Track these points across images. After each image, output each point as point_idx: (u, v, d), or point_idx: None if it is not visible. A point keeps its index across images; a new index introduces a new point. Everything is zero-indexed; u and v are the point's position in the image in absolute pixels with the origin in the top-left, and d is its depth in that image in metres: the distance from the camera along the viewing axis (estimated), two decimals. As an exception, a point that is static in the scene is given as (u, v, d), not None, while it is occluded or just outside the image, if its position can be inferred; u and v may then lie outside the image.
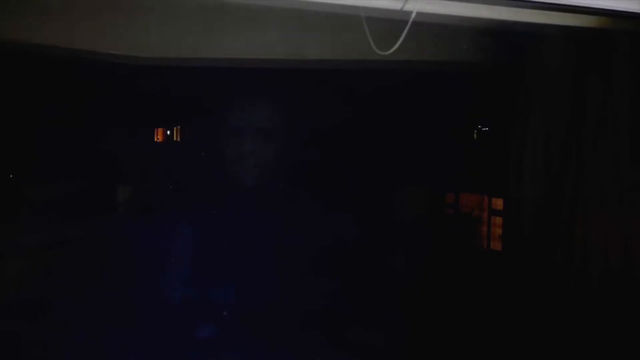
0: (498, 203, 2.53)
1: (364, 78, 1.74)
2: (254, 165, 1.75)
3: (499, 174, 1.98)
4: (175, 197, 1.83)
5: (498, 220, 2.52)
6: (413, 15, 1.10)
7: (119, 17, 1.52)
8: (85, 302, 1.86)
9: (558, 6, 1.18)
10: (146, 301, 1.65)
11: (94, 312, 1.76)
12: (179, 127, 2.40)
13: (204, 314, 1.62)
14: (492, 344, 1.84)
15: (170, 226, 1.72)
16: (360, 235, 2.13)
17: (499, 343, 1.80)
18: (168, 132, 2.44)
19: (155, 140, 2.46)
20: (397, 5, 1.15)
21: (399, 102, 2.07)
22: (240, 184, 1.77)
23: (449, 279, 2.26)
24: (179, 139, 2.43)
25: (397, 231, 2.44)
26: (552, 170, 1.62)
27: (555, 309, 1.62)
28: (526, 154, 1.64)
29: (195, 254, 1.68)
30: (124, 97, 2.06)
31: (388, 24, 1.15)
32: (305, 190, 1.91)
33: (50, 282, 2.23)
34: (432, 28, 1.21)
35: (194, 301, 1.64)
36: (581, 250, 1.57)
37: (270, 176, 1.79)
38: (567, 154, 1.57)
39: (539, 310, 1.66)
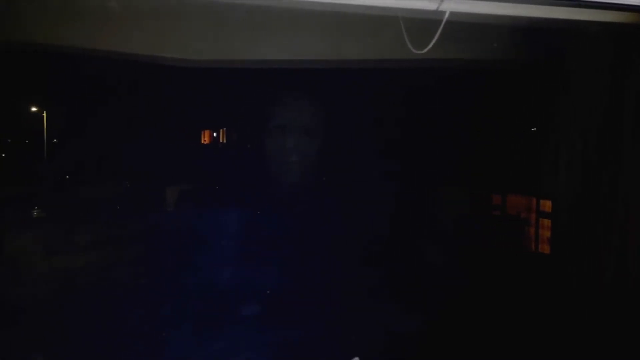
0: (541, 204, 2.53)
1: (401, 76, 1.81)
2: (297, 161, 1.84)
3: (535, 173, 2.01)
4: (226, 192, 1.94)
5: (545, 222, 2.53)
6: (447, 15, 1.18)
7: (171, 22, 1.64)
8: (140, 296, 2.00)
9: (591, 3, 1.24)
10: (201, 293, 1.76)
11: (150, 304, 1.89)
12: (227, 126, 2.50)
13: (255, 297, 1.72)
14: (536, 345, 1.86)
15: (221, 220, 1.83)
16: (401, 235, 2.19)
17: (542, 344, 1.83)
18: (215, 133, 2.55)
19: (204, 139, 2.57)
20: (432, 6, 1.23)
21: (436, 100, 2.12)
22: (284, 179, 1.87)
23: (496, 281, 2.28)
24: (225, 139, 2.54)
25: (441, 232, 2.48)
26: (592, 169, 1.64)
27: (602, 313, 1.63)
28: (563, 154, 1.67)
29: (244, 247, 1.78)
30: (175, 99, 2.18)
31: (422, 24, 1.23)
32: (348, 188, 1.98)
33: (104, 277, 2.38)
34: (466, 27, 1.28)
35: (245, 286, 1.74)
36: (629, 251, 1.58)
37: (314, 173, 1.89)
38: (607, 153, 1.59)
39: (587, 313, 1.67)
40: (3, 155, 2.66)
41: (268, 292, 1.70)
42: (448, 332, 2.05)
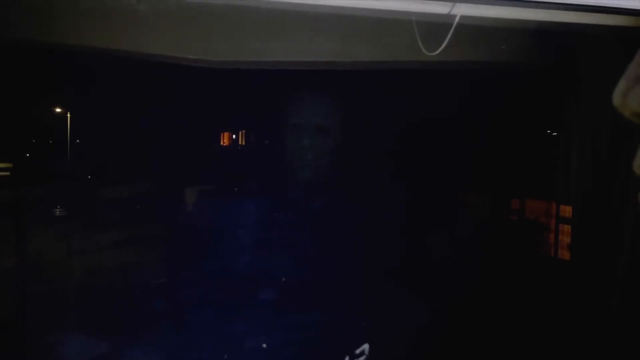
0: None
1: (415, 77, 1.87)
2: (312, 159, 1.91)
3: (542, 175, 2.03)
4: (245, 191, 2.02)
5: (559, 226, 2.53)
6: (457, 19, 1.25)
7: (192, 24, 1.71)
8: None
9: (599, 7, 1.29)
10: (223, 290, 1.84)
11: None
12: (245, 124, 2.57)
13: (270, 283, 1.80)
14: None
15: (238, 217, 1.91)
16: (418, 238, 2.23)
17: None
18: (234, 134, 2.61)
19: (223, 140, 2.64)
20: (444, 10, 1.30)
21: (448, 102, 2.16)
22: (301, 177, 1.94)
23: (513, 286, 2.31)
24: (244, 138, 2.61)
25: (457, 235, 2.51)
26: (605, 172, 1.67)
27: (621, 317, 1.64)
28: (575, 157, 1.70)
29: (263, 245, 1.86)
30: (198, 99, 2.26)
31: (434, 27, 1.30)
32: (363, 188, 2.04)
33: (125, 276, 2.45)
34: (476, 30, 1.35)
35: (263, 274, 1.82)
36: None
37: (329, 171, 1.95)
38: (619, 156, 1.61)
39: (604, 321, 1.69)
40: (27, 155, 2.72)
41: (283, 279, 1.77)
42: (459, 331, 2.09)
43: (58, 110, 2.70)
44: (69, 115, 2.68)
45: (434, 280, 2.09)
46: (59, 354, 2.03)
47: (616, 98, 0.47)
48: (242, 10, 1.45)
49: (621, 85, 0.46)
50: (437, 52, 1.31)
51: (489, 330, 2.21)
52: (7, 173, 2.59)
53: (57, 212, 2.74)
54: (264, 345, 1.73)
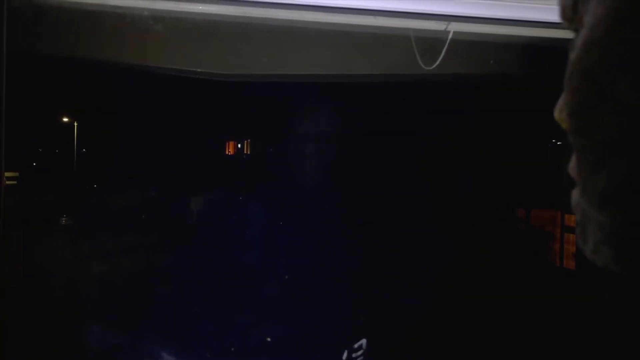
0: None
1: (415, 89, 2.02)
2: (316, 165, 2.06)
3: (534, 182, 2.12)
4: (253, 195, 2.16)
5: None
6: (450, 35, 1.43)
7: (204, 41, 1.87)
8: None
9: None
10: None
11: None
12: (250, 133, 2.69)
13: (275, 282, 1.95)
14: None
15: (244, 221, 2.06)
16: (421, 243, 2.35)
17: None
18: (240, 143, 2.74)
19: (228, 149, 2.76)
20: (440, 27, 1.49)
21: (446, 112, 2.29)
22: (306, 181, 2.08)
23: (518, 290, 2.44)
24: (250, 147, 2.73)
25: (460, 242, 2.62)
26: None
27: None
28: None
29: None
30: (208, 108, 2.40)
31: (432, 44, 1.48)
32: (361, 195, 2.17)
33: (133, 281, 2.57)
34: (471, 46, 1.52)
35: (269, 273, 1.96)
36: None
37: (332, 176, 2.09)
38: None
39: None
40: (34, 163, 2.84)
41: (286, 277, 1.92)
42: (461, 333, 2.21)
43: (67, 119, 2.83)
44: (76, 124, 2.80)
45: (436, 283, 2.19)
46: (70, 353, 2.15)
47: (555, 113, 0.62)
48: (249, 28, 1.61)
49: (559, 102, 0.61)
50: (433, 66, 1.49)
51: (492, 333, 2.31)
52: (14, 182, 2.70)
53: (63, 220, 2.86)
54: (268, 339, 1.88)
